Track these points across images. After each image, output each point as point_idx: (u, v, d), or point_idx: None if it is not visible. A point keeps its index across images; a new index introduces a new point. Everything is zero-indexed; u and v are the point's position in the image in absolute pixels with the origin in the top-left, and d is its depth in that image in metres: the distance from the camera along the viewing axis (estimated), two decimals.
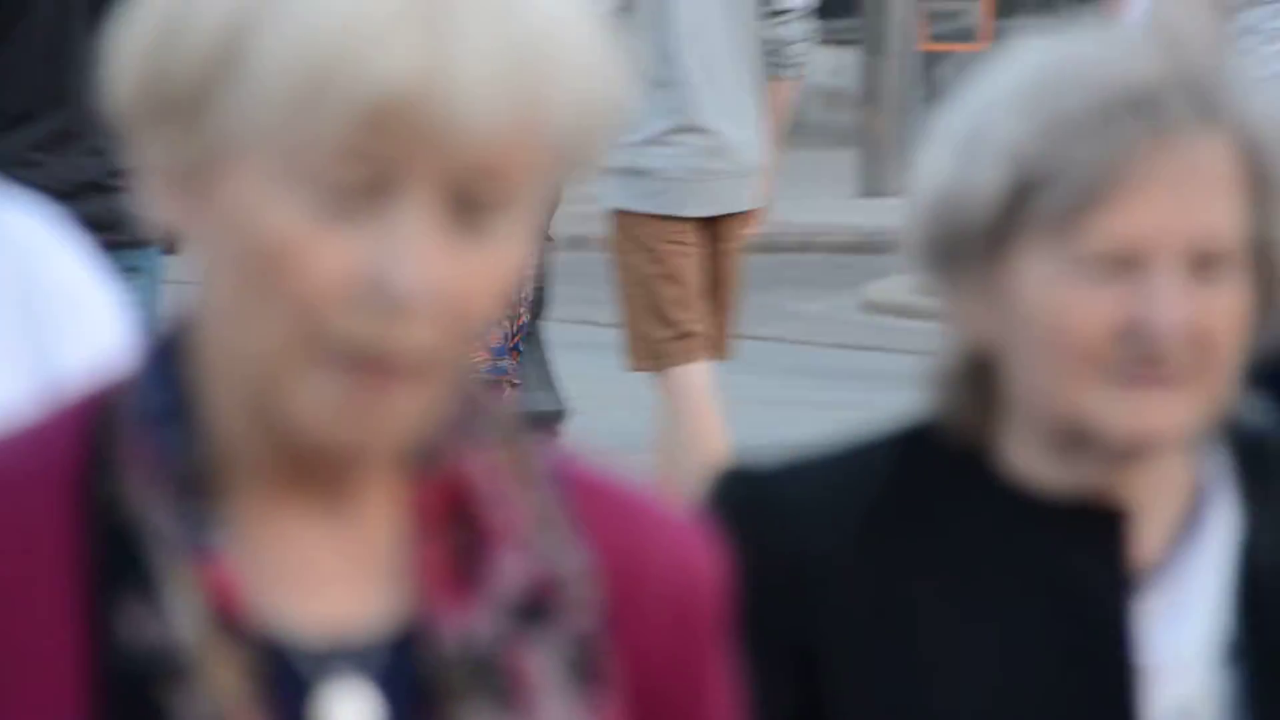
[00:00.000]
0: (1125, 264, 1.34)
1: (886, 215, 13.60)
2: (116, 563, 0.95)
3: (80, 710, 0.94)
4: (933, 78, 21.18)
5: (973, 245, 1.37)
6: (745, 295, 6.80)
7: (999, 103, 1.37)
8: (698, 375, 6.23)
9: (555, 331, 6.56)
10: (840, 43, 20.52)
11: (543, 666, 0.97)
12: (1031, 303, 1.35)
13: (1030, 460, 1.40)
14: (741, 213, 6.52)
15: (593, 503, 1.02)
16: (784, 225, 15.09)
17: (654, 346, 6.23)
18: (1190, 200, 1.35)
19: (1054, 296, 1.35)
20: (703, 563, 1.05)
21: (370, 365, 0.89)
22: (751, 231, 6.63)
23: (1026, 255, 1.36)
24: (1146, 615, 1.38)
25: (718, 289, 6.44)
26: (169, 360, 0.97)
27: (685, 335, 6.24)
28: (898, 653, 1.40)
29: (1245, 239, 1.37)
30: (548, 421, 5.71)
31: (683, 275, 6.17)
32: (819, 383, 10.70)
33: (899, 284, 12.17)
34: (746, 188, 6.53)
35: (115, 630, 0.94)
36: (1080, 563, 1.39)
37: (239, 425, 0.94)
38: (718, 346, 6.47)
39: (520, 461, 1.00)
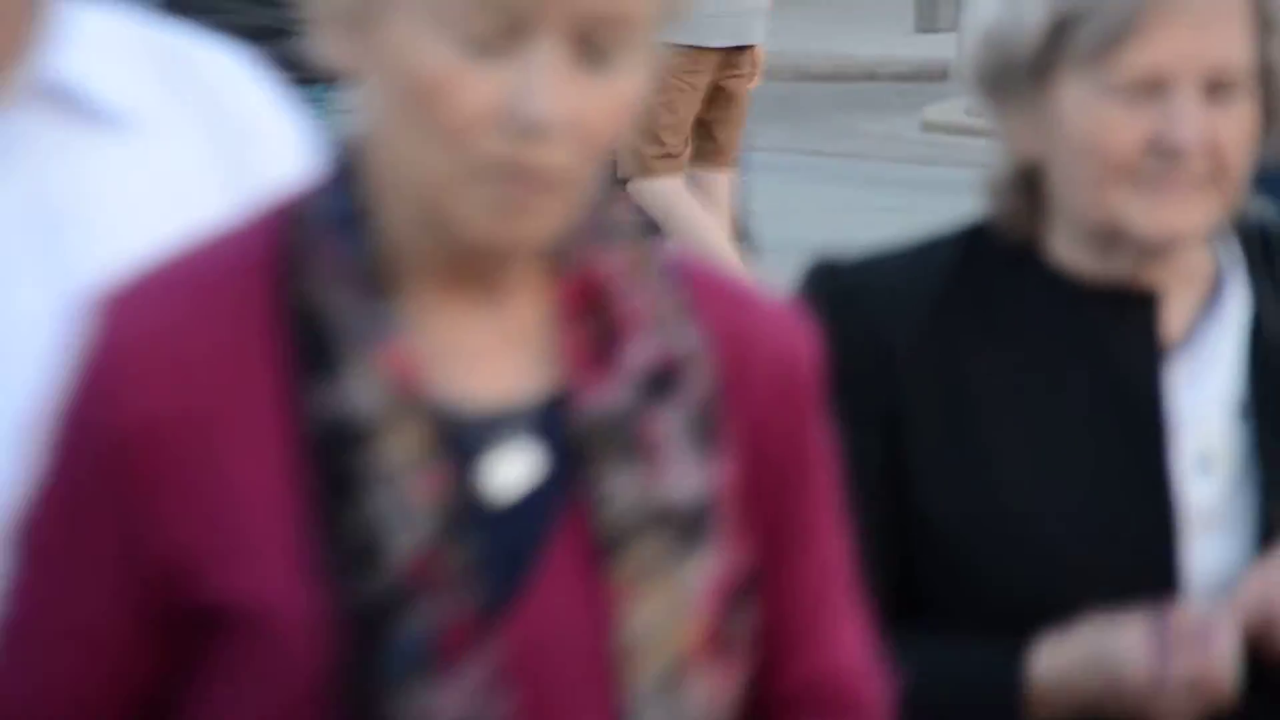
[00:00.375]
0: (1151, 89, 1.53)
1: (942, 48, 13.76)
2: (309, 347, 1.07)
3: (287, 476, 1.07)
4: None
5: (1019, 74, 1.57)
6: (819, 118, 7.04)
7: None
8: (675, 185, 6.76)
9: None
10: None
11: (668, 431, 1.09)
12: (1071, 123, 1.55)
13: (1073, 254, 1.61)
14: (753, 45, 6.89)
15: (705, 294, 1.15)
16: (850, 58, 16.28)
17: (643, 161, 6.78)
18: (1207, 34, 1.55)
19: (1090, 117, 1.55)
20: (801, 343, 1.18)
21: (514, 180, 1.02)
22: (759, 59, 7.00)
23: (1066, 82, 1.56)
24: (1173, 380, 1.60)
25: (731, 109, 6.84)
26: (347, 177, 1.10)
27: (670, 155, 6.77)
28: (962, 416, 1.63)
29: (1252, 67, 1.58)
30: None
31: (678, 107, 6.62)
32: (887, 192, 11.18)
33: (955, 106, 12.53)
34: (761, 21, 6.88)
35: (310, 405, 1.07)
36: (1117, 337, 1.61)
37: (408, 231, 1.08)
38: (730, 157, 6.91)
39: (644, 260, 1.14)
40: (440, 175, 1.04)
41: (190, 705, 1.11)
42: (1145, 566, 1.54)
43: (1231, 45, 1.57)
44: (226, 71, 1.47)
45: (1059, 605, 1.55)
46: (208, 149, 1.40)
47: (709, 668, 1.12)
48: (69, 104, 1.35)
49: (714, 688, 1.13)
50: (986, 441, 1.61)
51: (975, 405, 1.61)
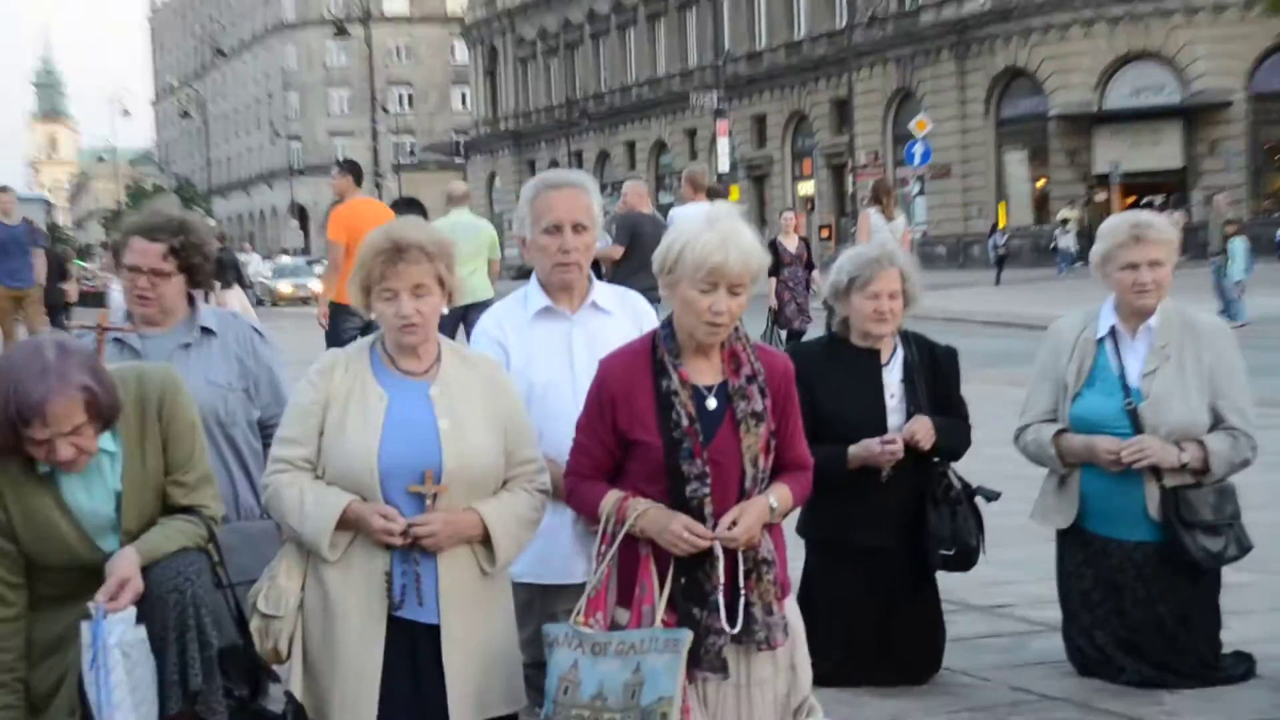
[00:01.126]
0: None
1: None
2: (657, 370, 4.43)
3: (655, 406, 4.37)
4: None
5: None
6: None
7: None
8: None
9: None
10: None
11: (754, 391, 4.49)
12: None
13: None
14: None
15: (760, 352, 4.52)
16: None
17: None
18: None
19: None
20: (787, 367, 4.55)
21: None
22: None
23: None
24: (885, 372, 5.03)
25: None
26: (667, 323, 4.57)
27: None
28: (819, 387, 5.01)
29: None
30: None
31: None
32: None
33: None
34: None
35: (659, 386, 4.34)
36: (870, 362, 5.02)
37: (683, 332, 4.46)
38: None
39: (745, 342, 4.50)
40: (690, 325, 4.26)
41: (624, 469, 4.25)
42: (871, 427, 4.94)
43: None
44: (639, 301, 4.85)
45: (847, 439, 4.91)
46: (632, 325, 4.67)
47: (765, 457, 4.10)
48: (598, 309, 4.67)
49: (766, 464, 4.11)
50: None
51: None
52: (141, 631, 3.68)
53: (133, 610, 3.68)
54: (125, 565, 3.72)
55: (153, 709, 3.67)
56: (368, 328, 12.32)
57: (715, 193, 13.76)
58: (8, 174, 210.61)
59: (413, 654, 4.01)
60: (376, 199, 14.91)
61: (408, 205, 16.77)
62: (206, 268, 4.77)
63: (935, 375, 5.12)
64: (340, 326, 12.61)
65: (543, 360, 4.68)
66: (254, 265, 44.50)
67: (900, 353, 5.12)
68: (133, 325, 4.74)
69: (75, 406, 3.65)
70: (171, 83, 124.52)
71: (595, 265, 10.37)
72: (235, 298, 18.47)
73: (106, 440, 3.81)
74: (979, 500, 5.08)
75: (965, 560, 5.04)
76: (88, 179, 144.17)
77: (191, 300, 4.78)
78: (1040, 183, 46.93)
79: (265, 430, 4.64)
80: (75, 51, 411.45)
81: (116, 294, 19.97)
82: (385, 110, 78.36)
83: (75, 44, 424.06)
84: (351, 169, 13.61)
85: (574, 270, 4.71)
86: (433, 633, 4.01)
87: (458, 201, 14.22)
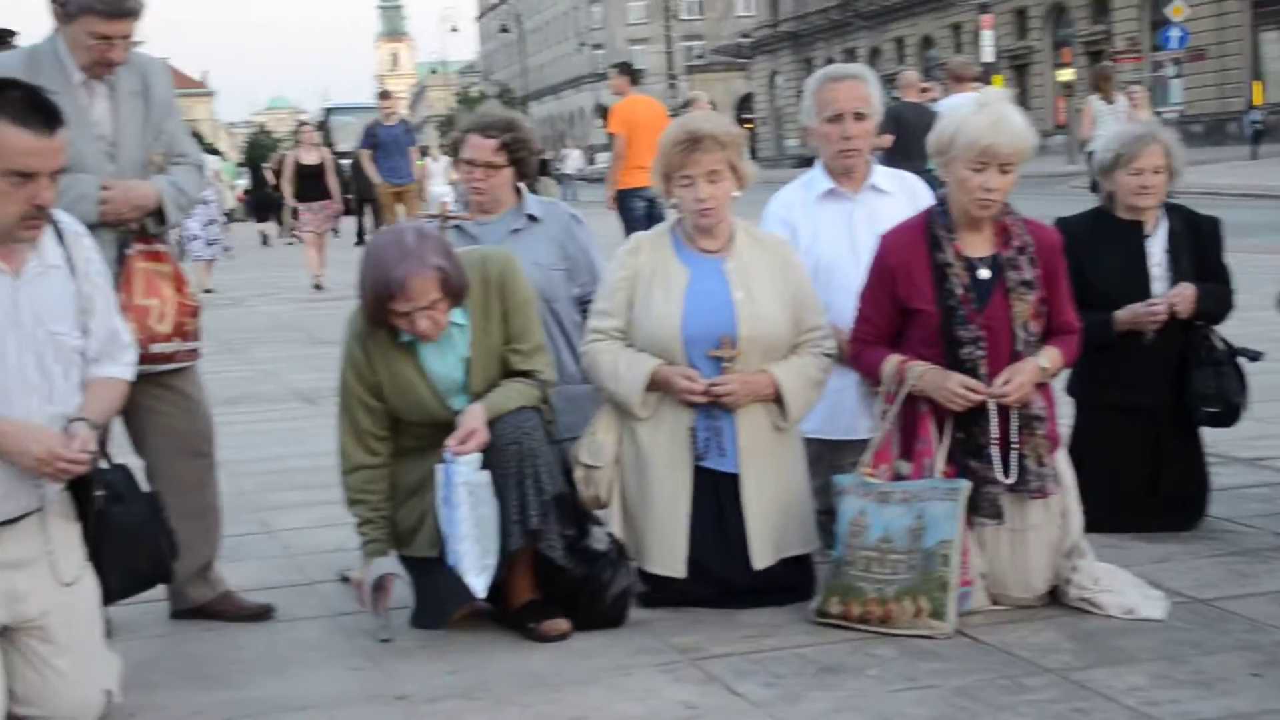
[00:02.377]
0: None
1: None
2: (932, 244, 4.29)
3: (931, 278, 4.23)
4: None
5: None
6: None
7: None
8: None
9: None
10: None
11: (1023, 261, 4.33)
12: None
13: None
14: None
15: (1029, 226, 4.32)
16: None
17: None
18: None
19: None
20: (1055, 238, 4.34)
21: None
22: None
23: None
24: None
25: None
26: (941, 200, 4.41)
27: None
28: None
29: None
30: None
31: None
32: None
33: None
34: None
35: (934, 258, 4.23)
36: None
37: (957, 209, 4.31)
38: None
39: (1015, 219, 4.32)
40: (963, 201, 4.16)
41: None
42: (1136, 294, 4.70)
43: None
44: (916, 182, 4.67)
45: (1114, 306, 4.69)
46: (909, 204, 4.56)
47: (1036, 322, 4.00)
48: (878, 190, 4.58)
49: (1037, 329, 4.01)
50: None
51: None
52: (486, 475, 3.79)
53: (478, 456, 3.80)
54: (473, 418, 3.84)
55: (493, 542, 3.79)
56: (651, 205, 12.43)
57: (975, 80, 13.23)
58: (359, 87, 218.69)
59: (716, 499, 4.06)
60: (651, 96, 14.74)
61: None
62: (533, 161, 4.83)
63: (1198, 244, 4.85)
64: (629, 207, 12.72)
65: (828, 238, 4.62)
66: (572, 160, 44.93)
67: (1164, 224, 4.86)
68: (469, 213, 4.84)
69: (431, 284, 3.76)
70: (492, 1, 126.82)
71: None
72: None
73: (456, 314, 3.92)
74: (1242, 360, 4.82)
75: (1229, 417, 4.79)
76: (423, 89, 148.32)
77: (519, 190, 4.85)
78: None
79: (583, 304, 4.69)
80: None
81: (435, 187, 21.03)
82: (677, 18, 78.08)
83: None
84: (626, 70, 13.57)
85: (855, 156, 4.63)
86: (733, 481, 4.05)
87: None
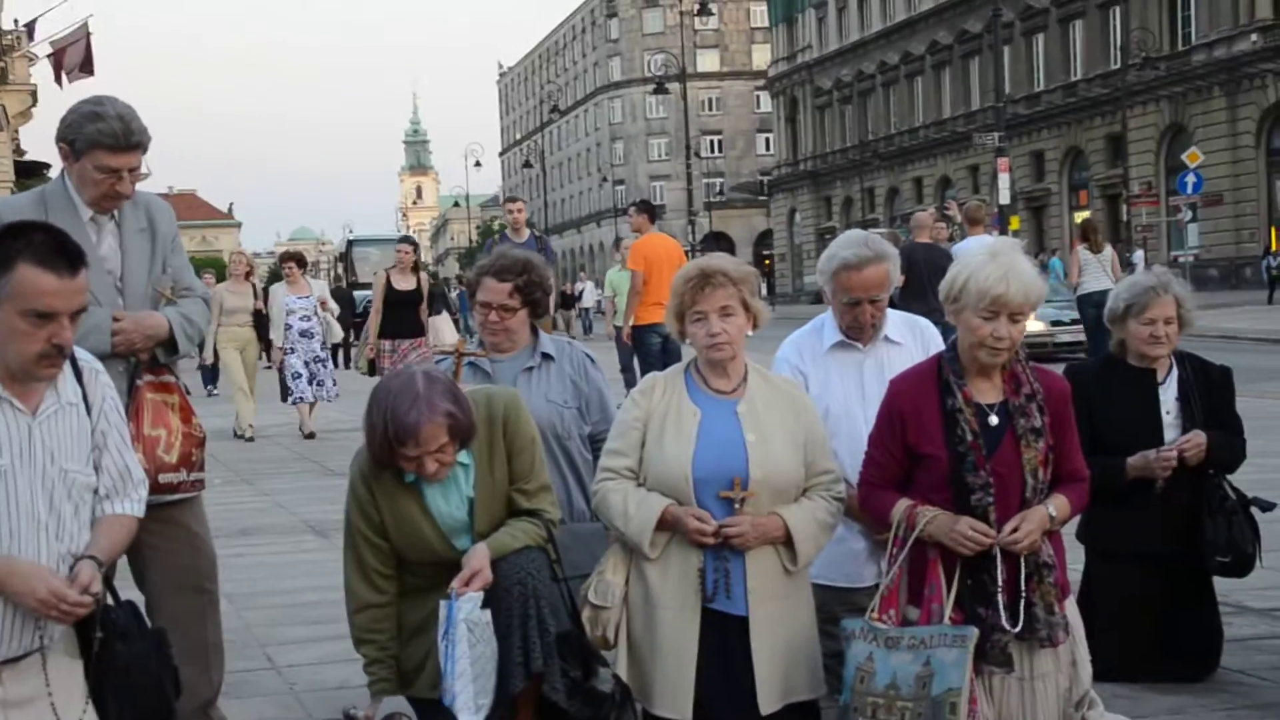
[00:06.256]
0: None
1: None
2: (943, 390, 4.32)
3: (943, 423, 4.26)
4: None
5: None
6: None
7: None
8: None
9: None
10: None
11: (1034, 409, 4.35)
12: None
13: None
14: None
15: (1037, 373, 4.37)
16: None
17: None
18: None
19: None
20: (1063, 386, 4.36)
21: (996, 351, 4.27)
22: None
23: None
24: None
25: None
26: (951, 348, 4.42)
27: None
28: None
29: None
30: None
31: None
32: None
33: None
34: None
35: (944, 403, 4.25)
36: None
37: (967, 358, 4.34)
38: None
39: (1025, 366, 4.35)
40: (973, 349, 4.22)
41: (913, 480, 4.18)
42: (1148, 441, 4.71)
43: None
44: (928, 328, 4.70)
45: (1125, 453, 4.70)
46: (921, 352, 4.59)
47: (1044, 469, 4.04)
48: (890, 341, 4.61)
49: (1046, 476, 4.03)
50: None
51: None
52: (487, 615, 3.79)
53: (480, 595, 3.80)
54: (478, 558, 3.85)
55: (490, 682, 3.77)
56: (665, 342, 12.51)
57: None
58: (382, 219, 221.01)
59: (723, 643, 4.03)
60: (669, 234, 14.66)
61: (716, 239, 16.84)
62: (546, 301, 4.90)
63: (1210, 393, 4.86)
64: (644, 343, 12.81)
65: (837, 388, 4.65)
66: (588, 292, 45.16)
67: (1175, 372, 4.89)
68: (484, 351, 4.89)
69: (441, 430, 3.81)
70: (516, 136, 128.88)
71: None
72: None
73: (462, 454, 3.94)
74: (1255, 509, 4.81)
75: (1242, 566, 4.77)
76: (446, 221, 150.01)
77: (534, 329, 4.90)
78: None
79: (595, 443, 4.71)
80: (437, 113, 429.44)
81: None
82: (698, 155, 79.18)
83: (438, 106, 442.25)
84: (646, 208, 13.66)
85: (868, 329, 4.69)
86: (741, 624, 4.03)
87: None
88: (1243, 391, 5.03)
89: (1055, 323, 21.08)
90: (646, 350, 12.75)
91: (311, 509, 9.26)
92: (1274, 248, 41.21)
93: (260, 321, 15.67)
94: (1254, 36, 43.96)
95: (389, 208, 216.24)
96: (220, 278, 19.17)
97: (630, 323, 13.01)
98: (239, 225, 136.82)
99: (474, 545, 3.92)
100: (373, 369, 13.79)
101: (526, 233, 13.49)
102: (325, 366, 14.85)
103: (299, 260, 15.64)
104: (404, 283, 13.88)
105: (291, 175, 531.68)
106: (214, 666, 4.22)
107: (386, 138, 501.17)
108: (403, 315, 13.65)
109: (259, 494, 10.36)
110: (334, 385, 14.95)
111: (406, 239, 14.25)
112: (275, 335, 14.86)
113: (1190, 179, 37.02)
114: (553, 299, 12.17)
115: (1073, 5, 53.35)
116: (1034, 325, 20.22)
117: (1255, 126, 44.38)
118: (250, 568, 6.96)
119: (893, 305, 4.88)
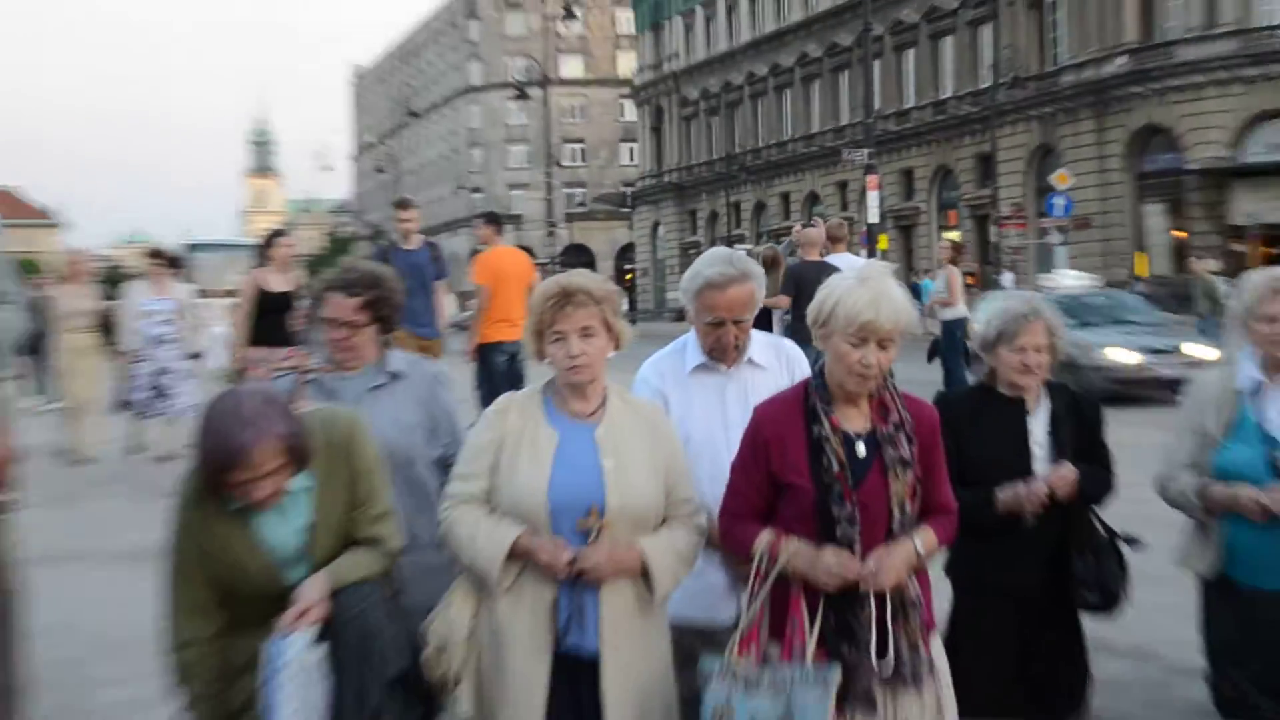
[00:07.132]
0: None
1: None
2: (809, 417, 4.31)
3: (807, 450, 4.28)
4: None
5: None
6: None
7: None
8: None
9: None
10: None
11: (901, 438, 4.36)
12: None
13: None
14: None
15: (907, 400, 4.40)
16: None
17: None
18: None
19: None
20: (931, 415, 4.40)
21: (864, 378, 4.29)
22: None
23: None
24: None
25: None
26: (819, 373, 4.44)
27: None
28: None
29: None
30: None
31: None
32: None
33: None
34: None
35: (810, 432, 4.25)
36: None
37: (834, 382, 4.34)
38: None
39: (893, 393, 4.37)
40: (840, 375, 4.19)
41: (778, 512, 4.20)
42: (1017, 474, 4.77)
43: None
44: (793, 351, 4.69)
45: (994, 485, 4.74)
46: (786, 376, 4.59)
47: (912, 501, 4.08)
48: (754, 365, 4.58)
49: (913, 508, 4.07)
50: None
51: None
52: (317, 653, 3.66)
53: (310, 632, 3.67)
54: (312, 591, 3.73)
55: None
56: (512, 360, 12.42)
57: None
58: (222, 223, 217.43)
59: (574, 689, 3.95)
60: (524, 247, 14.54)
61: (577, 251, 16.86)
62: (395, 317, 4.79)
63: (1080, 424, 4.92)
64: (488, 360, 12.68)
65: (699, 414, 4.62)
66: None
67: (1045, 402, 4.94)
68: (329, 367, 4.76)
69: (272, 452, 3.67)
70: (370, 140, 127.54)
71: (765, 313, 10.30)
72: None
73: (298, 479, 3.82)
74: (1123, 545, 4.88)
75: (1109, 605, 4.83)
76: (292, 227, 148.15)
77: (381, 346, 4.79)
78: (1178, 234, 45.72)
79: (444, 467, 4.62)
80: (285, 113, 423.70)
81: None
82: (559, 164, 79.22)
83: (285, 106, 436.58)
84: (493, 220, 13.59)
85: (731, 351, 4.68)
86: (594, 668, 3.95)
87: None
88: (1115, 420, 5.11)
89: (1154, 351, 17.77)
90: (490, 369, 12.60)
91: (132, 535, 8.99)
92: (1141, 273, 42.50)
93: (108, 324, 14.92)
94: (1121, 59, 45.37)
95: (231, 212, 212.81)
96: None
97: (475, 340, 12.84)
98: (57, 226, 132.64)
99: (309, 577, 3.79)
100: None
101: (418, 240, 12.64)
102: (181, 379, 14.06)
103: (172, 260, 14.86)
104: (280, 284, 12.21)
105: (125, 178, 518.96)
106: (15, 713, 4.01)
107: (228, 140, 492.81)
108: (277, 321, 11.91)
109: (79, 517, 10.03)
110: (188, 400, 13.90)
111: (279, 233, 12.88)
112: (122, 339, 14.15)
113: (1059, 201, 38.05)
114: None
115: (943, 22, 54.58)
116: (1127, 358, 17.93)
117: (1123, 149, 45.78)
118: (64, 599, 6.70)
119: (785, 326, 4.88)
